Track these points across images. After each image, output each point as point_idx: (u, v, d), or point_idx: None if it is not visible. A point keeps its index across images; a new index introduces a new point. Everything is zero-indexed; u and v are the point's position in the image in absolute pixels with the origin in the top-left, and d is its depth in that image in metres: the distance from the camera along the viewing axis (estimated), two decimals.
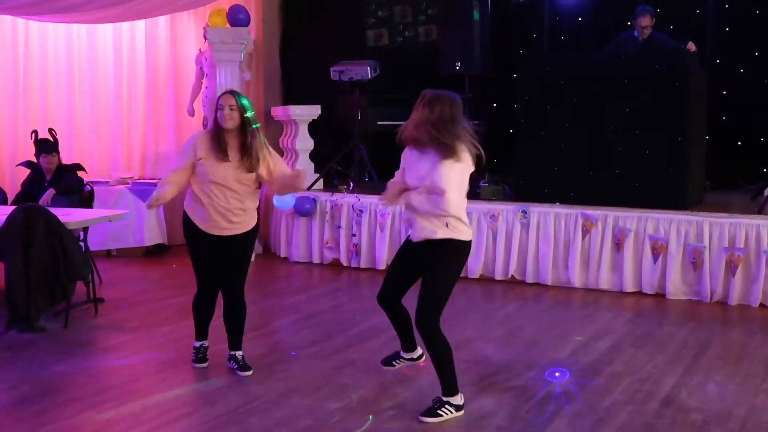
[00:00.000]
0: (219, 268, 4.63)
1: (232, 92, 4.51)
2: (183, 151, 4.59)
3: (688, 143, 6.85)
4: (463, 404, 4.09)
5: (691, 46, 7.37)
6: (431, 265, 4.06)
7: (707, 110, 7.55)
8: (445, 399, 4.06)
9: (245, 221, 4.58)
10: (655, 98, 6.82)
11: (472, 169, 4.04)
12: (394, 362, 4.62)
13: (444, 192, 3.89)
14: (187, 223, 4.60)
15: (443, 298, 4.08)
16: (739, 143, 8.44)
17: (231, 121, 4.40)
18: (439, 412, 4.03)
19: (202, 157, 4.45)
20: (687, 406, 4.21)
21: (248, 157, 4.42)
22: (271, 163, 4.51)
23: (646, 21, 7.52)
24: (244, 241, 4.62)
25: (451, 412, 4.04)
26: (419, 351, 4.57)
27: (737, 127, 8.37)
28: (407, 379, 4.59)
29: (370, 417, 4.05)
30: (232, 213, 4.50)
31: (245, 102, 4.49)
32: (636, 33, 7.63)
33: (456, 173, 3.94)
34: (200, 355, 4.87)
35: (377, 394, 4.36)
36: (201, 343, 4.89)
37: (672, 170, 6.83)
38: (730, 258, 6.35)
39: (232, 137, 4.44)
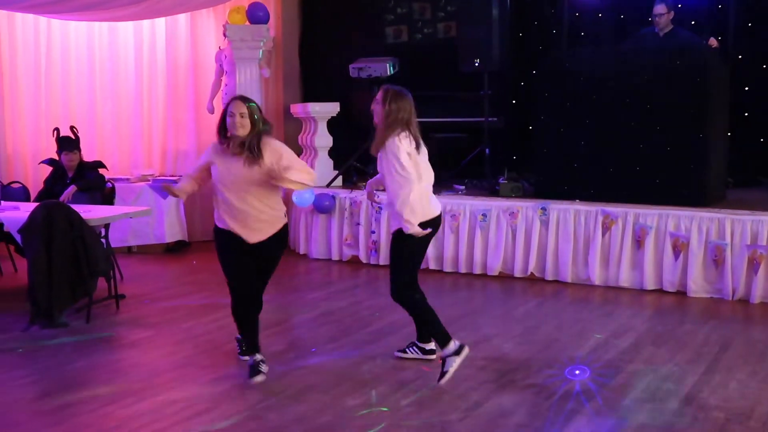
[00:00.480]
0: (252, 272, 4.55)
1: (241, 98, 4.46)
2: (203, 154, 4.66)
3: (709, 140, 6.79)
4: (461, 345, 4.39)
5: (713, 42, 7.30)
6: (392, 249, 4.60)
7: (729, 106, 7.48)
8: (443, 355, 4.36)
9: (270, 224, 4.52)
10: (676, 94, 6.76)
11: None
12: (407, 349, 4.90)
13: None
14: (218, 233, 4.56)
15: (405, 271, 4.51)
16: (762, 140, 8.35)
17: (242, 128, 4.35)
18: (446, 369, 4.34)
19: (215, 161, 4.49)
20: (708, 404, 4.18)
21: (250, 149, 4.36)
22: (282, 156, 4.42)
23: (659, 9, 7.44)
24: (272, 246, 4.55)
25: (455, 360, 4.34)
26: (431, 345, 4.79)
27: (760, 124, 8.28)
28: (426, 376, 4.58)
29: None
30: (252, 218, 4.45)
31: (254, 105, 4.45)
32: (656, 29, 7.57)
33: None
34: (258, 368, 4.54)
35: (396, 390, 4.36)
36: (254, 357, 4.60)
37: (693, 167, 6.77)
38: (752, 255, 6.29)
39: (240, 140, 4.40)
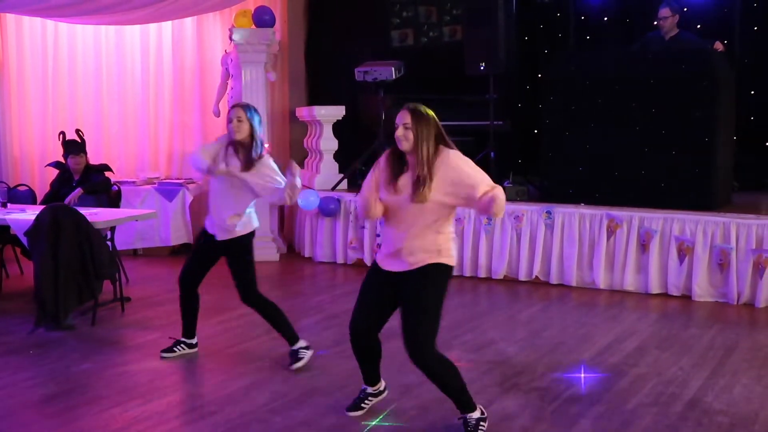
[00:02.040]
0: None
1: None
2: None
3: (715, 144, 6.78)
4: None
5: (719, 46, 7.30)
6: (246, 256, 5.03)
7: (735, 110, 7.47)
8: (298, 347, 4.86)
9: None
10: (682, 98, 6.76)
11: None
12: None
13: None
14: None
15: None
16: None
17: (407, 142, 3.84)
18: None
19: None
20: (712, 408, 4.17)
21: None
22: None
23: (663, 13, 7.45)
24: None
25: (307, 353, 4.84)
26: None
27: (766, 127, 8.27)
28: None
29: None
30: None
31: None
32: (662, 33, 7.56)
33: None
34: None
35: (401, 394, 4.36)
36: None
37: (699, 171, 6.77)
38: (757, 260, 6.28)
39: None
